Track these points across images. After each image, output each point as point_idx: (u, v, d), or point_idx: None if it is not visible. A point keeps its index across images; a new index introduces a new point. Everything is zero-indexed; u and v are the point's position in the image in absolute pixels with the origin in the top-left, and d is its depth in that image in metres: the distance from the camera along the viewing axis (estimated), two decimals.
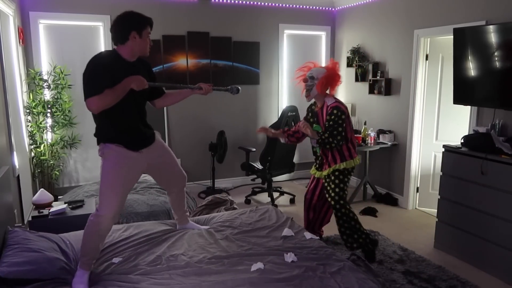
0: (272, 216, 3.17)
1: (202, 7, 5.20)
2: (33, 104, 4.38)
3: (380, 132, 4.97)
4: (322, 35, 5.97)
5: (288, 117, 4.65)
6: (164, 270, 2.36)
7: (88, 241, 2.35)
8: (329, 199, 3.27)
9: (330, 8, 5.89)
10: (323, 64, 3.40)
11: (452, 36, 3.66)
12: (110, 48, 4.77)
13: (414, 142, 4.64)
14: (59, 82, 4.47)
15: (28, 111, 4.39)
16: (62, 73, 4.49)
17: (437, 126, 4.55)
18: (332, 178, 3.26)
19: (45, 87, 4.45)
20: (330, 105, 3.19)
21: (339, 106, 3.15)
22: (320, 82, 3.18)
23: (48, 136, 4.53)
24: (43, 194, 3.35)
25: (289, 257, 2.46)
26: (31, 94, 4.46)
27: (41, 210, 3.19)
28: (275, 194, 5.16)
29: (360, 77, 5.36)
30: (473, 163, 3.29)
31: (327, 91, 3.27)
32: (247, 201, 4.94)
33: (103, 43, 4.85)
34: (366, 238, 3.31)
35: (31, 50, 4.56)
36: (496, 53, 3.33)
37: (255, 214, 3.23)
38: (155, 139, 2.62)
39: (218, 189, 5.29)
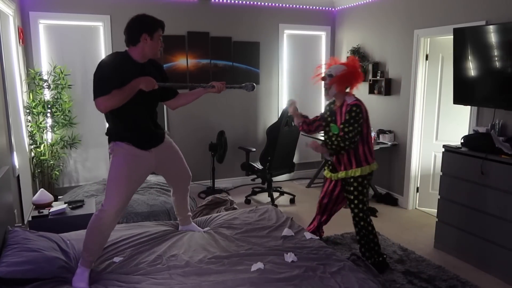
0: (272, 216, 3.17)
1: (202, 7, 5.20)
2: (33, 104, 4.38)
3: (380, 132, 4.97)
4: (322, 35, 5.97)
5: (288, 117, 4.65)
6: (164, 270, 2.37)
7: (89, 236, 2.39)
8: (350, 209, 3.19)
9: (330, 8, 5.89)
10: (343, 61, 3.27)
11: (452, 36, 3.66)
12: (110, 48, 4.78)
13: (414, 142, 4.64)
14: (59, 82, 4.47)
15: (28, 111, 4.39)
16: (62, 73, 4.49)
17: (437, 126, 4.55)
18: (351, 189, 3.13)
19: (45, 87, 4.45)
20: (350, 103, 3.03)
21: (359, 105, 3.02)
22: (339, 79, 3.01)
23: (48, 136, 4.53)
24: (43, 194, 3.35)
25: (289, 257, 2.46)
26: (31, 94, 4.46)
27: (41, 210, 3.19)
28: (275, 194, 5.16)
29: None
30: (473, 163, 3.28)
31: (347, 89, 3.10)
32: (247, 201, 4.94)
33: (103, 43, 4.84)
34: (378, 257, 3.17)
35: (31, 50, 4.56)
36: (496, 53, 3.33)
37: (255, 214, 3.23)
38: (164, 139, 2.65)
39: (218, 189, 5.30)
